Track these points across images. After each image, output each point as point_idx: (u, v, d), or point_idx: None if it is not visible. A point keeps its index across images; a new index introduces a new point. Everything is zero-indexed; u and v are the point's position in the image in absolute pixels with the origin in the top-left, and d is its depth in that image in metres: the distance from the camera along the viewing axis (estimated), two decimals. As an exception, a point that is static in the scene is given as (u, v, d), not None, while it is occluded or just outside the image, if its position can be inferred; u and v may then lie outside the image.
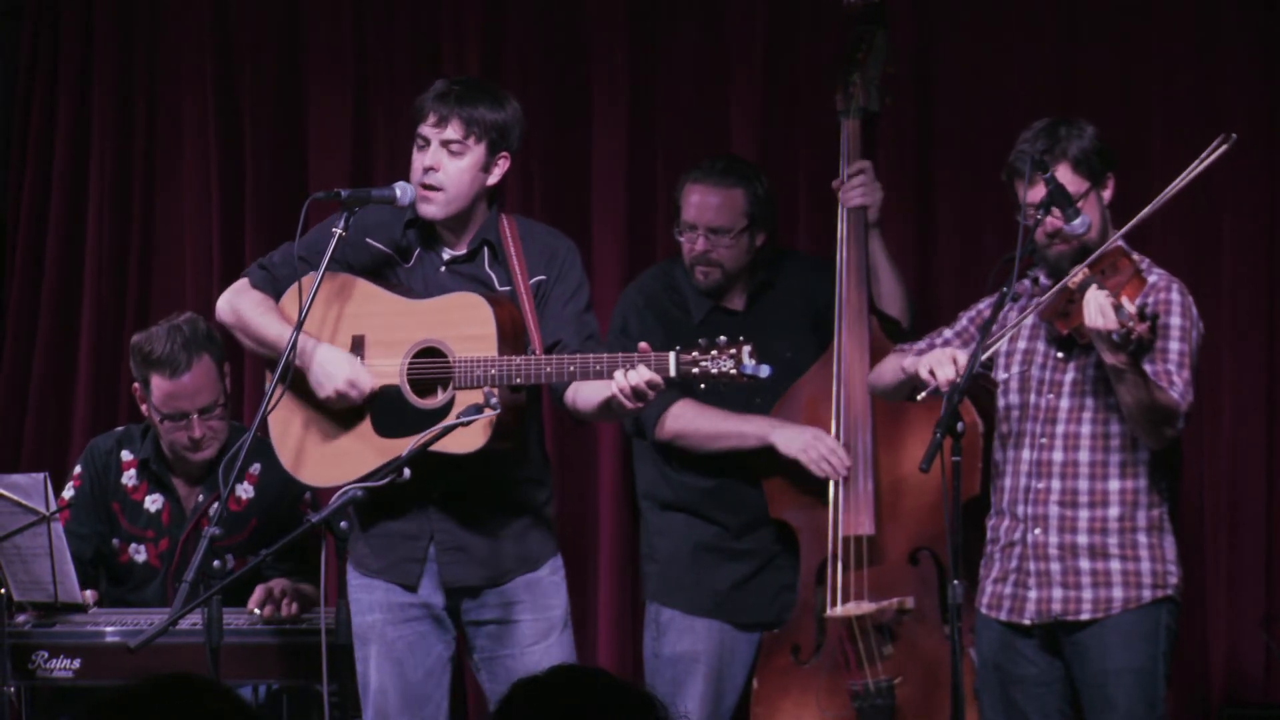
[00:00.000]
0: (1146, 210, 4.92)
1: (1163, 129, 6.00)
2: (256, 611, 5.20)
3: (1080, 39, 6.10)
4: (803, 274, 5.73)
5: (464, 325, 4.87)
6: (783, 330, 5.63)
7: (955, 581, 4.81)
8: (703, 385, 4.66)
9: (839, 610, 5.45)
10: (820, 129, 5.95)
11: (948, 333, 5.30)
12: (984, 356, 5.00)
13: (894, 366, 5.22)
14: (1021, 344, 5.16)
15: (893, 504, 5.49)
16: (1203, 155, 4.86)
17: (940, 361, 4.97)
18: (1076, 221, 4.94)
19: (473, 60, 6.49)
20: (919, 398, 5.00)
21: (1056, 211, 4.96)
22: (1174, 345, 4.99)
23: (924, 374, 4.97)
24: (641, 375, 4.65)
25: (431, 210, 4.98)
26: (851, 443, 5.50)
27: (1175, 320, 5.00)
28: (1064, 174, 5.00)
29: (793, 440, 5.51)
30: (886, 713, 5.44)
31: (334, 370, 4.92)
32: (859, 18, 5.69)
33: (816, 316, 5.65)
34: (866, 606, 5.44)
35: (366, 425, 4.94)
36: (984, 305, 5.23)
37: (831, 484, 5.49)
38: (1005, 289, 4.96)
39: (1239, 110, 5.97)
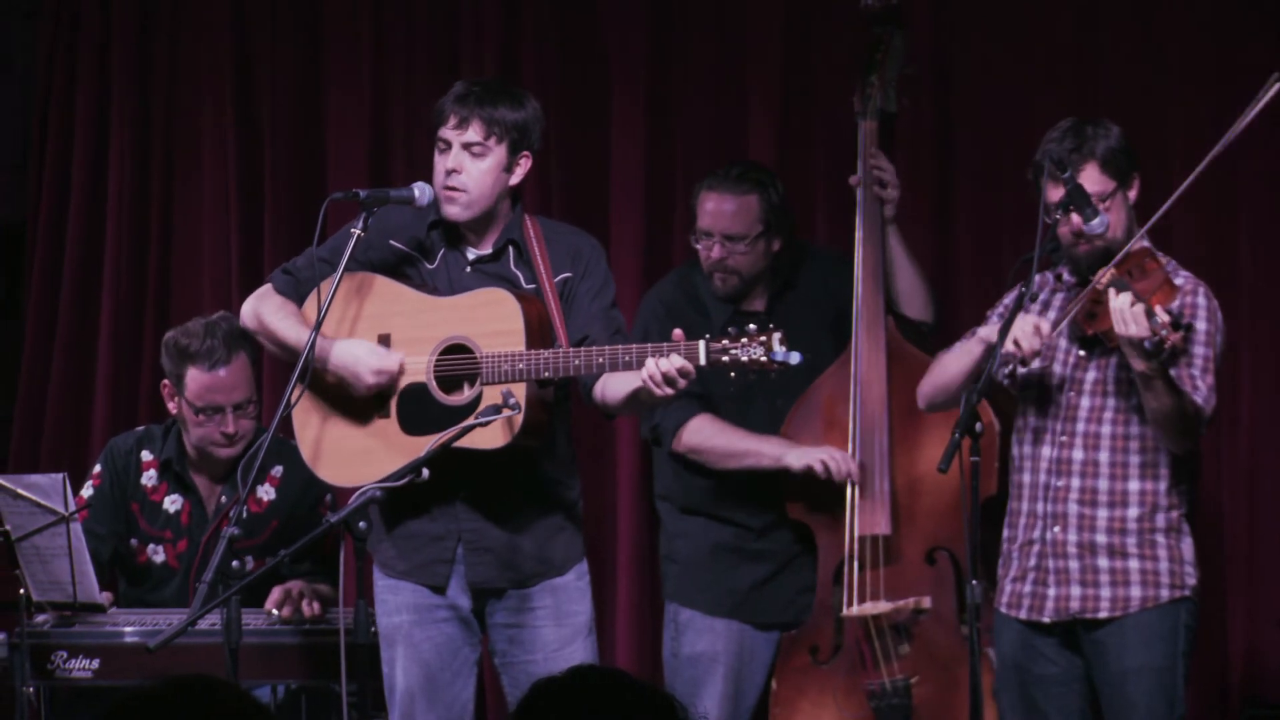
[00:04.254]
0: (1202, 165, 4.83)
1: (1180, 127, 5.98)
2: (275, 612, 5.21)
3: (1097, 37, 6.09)
4: (824, 273, 5.72)
5: (490, 321, 4.85)
6: (805, 331, 5.60)
7: (974, 581, 4.81)
8: (733, 374, 4.60)
9: (855, 610, 5.45)
10: (838, 131, 5.94)
11: (981, 332, 5.28)
12: (1021, 370, 5.00)
13: (957, 356, 5.08)
14: (1044, 340, 5.14)
15: (909, 504, 5.49)
16: (1258, 95, 4.81)
17: (1025, 333, 4.85)
18: (1095, 221, 4.92)
19: (491, 63, 6.49)
20: (1004, 374, 4.77)
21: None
22: (1199, 350, 4.97)
23: (1010, 347, 4.85)
24: (673, 362, 4.63)
25: (455, 212, 4.96)
26: (869, 443, 5.50)
27: (1201, 325, 4.98)
28: (1091, 173, 4.98)
29: (803, 456, 5.50)
30: (903, 712, 5.44)
31: (357, 366, 4.89)
32: (876, 19, 5.70)
33: (838, 316, 5.64)
34: (883, 606, 5.44)
35: (393, 423, 4.92)
36: (1010, 299, 5.20)
37: (849, 484, 5.49)
38: (1024, 288, 4.95)
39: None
